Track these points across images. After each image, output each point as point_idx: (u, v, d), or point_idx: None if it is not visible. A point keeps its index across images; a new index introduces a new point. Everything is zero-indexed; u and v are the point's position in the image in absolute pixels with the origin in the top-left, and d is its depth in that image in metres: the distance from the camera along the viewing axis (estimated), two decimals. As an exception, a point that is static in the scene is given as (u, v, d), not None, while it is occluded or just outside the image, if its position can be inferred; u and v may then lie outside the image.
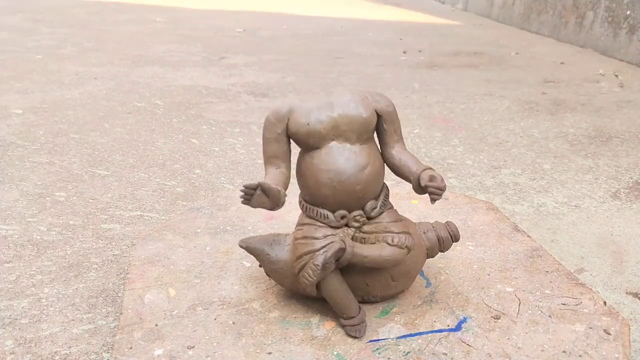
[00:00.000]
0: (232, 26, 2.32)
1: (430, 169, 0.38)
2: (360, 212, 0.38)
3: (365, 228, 0.39)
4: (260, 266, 0.43)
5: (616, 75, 1.57)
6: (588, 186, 0.80)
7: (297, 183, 0.39)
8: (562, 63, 1.74)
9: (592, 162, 0.90)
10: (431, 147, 0.95)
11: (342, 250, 0.36)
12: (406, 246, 0.38)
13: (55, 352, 0.42)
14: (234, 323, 0.40)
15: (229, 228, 0.55)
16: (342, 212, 0.38)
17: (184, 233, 0.54)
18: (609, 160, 0.91)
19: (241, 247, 0.42)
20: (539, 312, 0.42)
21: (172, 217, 0.57)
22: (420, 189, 0.38)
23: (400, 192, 0.62)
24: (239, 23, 2.42)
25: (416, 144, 0.97)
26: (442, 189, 0.36)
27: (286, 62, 1.63)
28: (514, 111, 1.20)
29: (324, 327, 0.40)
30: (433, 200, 0.37)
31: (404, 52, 1.85)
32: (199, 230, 0.55)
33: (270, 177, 0.37)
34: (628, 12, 1.78)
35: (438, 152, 0.93)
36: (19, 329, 0.45)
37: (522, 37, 2.30)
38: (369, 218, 0.39)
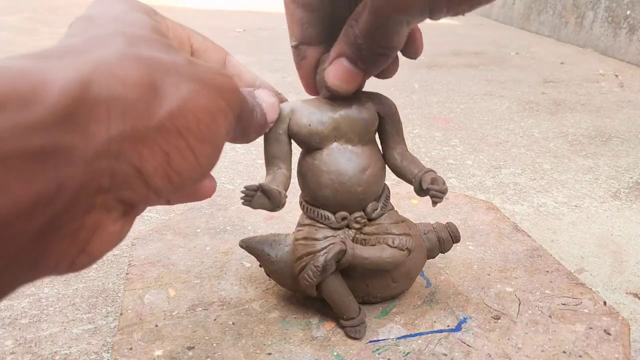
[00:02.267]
0: (232, 26, 2.32)
1: (432, 171, 0.38)
2: (361, 213, 0.38)
3: (366, 229, 0.39)
4: (260, 266, 0.43)
5: (616, 75, 1.57)
6: (588, 186, 0.80)
7: (297, 183, 0.39)
8: (562, 63, 1.74)
9: (592, 162, 0.90)
10: (431, 147, 0.95)
11: (342, 252, 0.36)
12: (407, 248, 0.38)
13: (55, 352, 0.42)
14: (233, 323, 0.40)
15: (229, 228, 0.55)
16: (343, 213, 0.38)
17: (183, 233, 0.54)
18: (609, 160, 0.91)
19: (241, 247, 0.42)
20: (539, 312, 0.42)
21: (172, 217, 0.57)
22: (421, 191, 0.38)
23: (400, 192, 0.62)
24: (239, 23, 2.42)
25: (416, 144, 0.97)
26: (444, 192, 0.36)
27: (286, 62, 1.63)
28: (514, 111, 1.20)
29: (324, 328, 0.40)
30: (434, 203, 0.37)
31: (404, 52, 1.85)
32: (198, 230, 0.55)
33: (270, 178, 0.37)
34: (628, 12, 1.78)
35: (438, 152, 0.93)
36: (19, 328, 0.45)
37: (522, 37, 2.31)
38: (370, 219, 0.39)
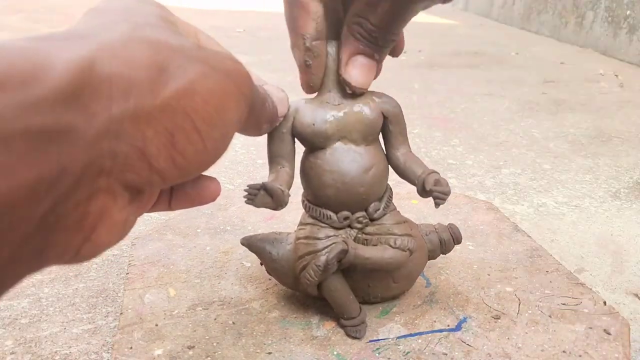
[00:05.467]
0: (232, 26, 2.32)
1: (436, 172, 0.38)
2: (363, 213, 0.38)
3: (368, 229, 0.39)
4: (261, 264, 0.43)
5: (616, 75, 1.57)
6: (588, 186, 0.80)
7: (300, 183, 0.39)
8: (562, 63, 1.75)
9: (592, 162, 0.90)
10: (431, 147, 0.95)
11: (344, 251, 0.36)
12: (408, 249, 0.38)
13: (55, 352, 0.42)
14: (234, 323, 0.40)
15: (229, 228, 0.55)
16: (345, 213, 0.38)
17: (183, 233, 0.54)
18: (609, 160, 0.91)
19: (243, 245, 0.42)
20: (539, 312, 0.42)
21: (172, 217, 0.57)
22: (424, 192, 0.37)
23: (400, 192, 0.62)
24: (239, 23, 2.42)
25: (416, 143, 0.97)
26: (447, 194, 0.36)
27: (286, 62, 1.63)
28: (514, 111, 1.20)
29: (324, 327, 0.40)
30: (437, 205, 0.37)
31: (404, 52, 1.85)
32: (199, 230, 0.55)
33: (273, 177, 0.37)
34: (628, 12, 1.78)
35: (438, 152, 0.93)
36: (19, 328, 0.45)
37: (522, 37, 2.31)
38: (372, 219, 0.39)
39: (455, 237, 0.42)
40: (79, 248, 0.19)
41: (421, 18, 2.84)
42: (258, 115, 0.29)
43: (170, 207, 0.28)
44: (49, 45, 0.17)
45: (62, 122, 0.16)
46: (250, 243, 0.42)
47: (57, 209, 0.17)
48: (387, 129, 0.38)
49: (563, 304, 0.43)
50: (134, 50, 0.19)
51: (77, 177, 0.17)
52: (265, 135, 0.37)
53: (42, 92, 0.15)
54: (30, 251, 0.17)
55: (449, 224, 0.43)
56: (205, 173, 0.31)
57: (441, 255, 0.44)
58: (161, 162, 0.20)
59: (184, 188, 0.28)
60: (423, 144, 0.97)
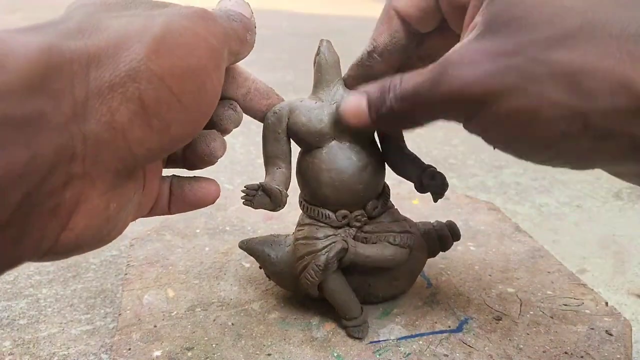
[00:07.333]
0: (232, 26, 2.32)
1: (432, 167, 0.38)
2: (362, 211, 0.38)
3: (367, 228, 0.39)
4: (260, 268, 0.42)
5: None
6: (590, 186, 0.80)
7: (297, 183, 0.39)
8: (562, 63, 1.74)
9: (594, 162, 0.90)
10: (432, 147, 0.95)
11: (344, 250, 0.36)
12: (408, 245, 0.38)
13: (54, 353, 0.42)
14: (233, 324, 0.40)
15: (228, 228, 0.55)
16: (344, 211, 0.38)
17: (182, 233, 0.54)
18: (610, 160, 0.91)
19: (241, 248, 0.41)
20: (541, 312, 0.41)
21: (171, 217, 0.57)
22: (421, 187, 0.37)
23: (401, 192, 0.62)
24: (239, 22, 2.42)
25: (417, 143, 0.96)
26: (444, 187, 0.36)
27: (286, 61, 1.62)
28: (515, 111, 1.20)
29: (324, 329, 0.40)
30: (435, 199, 0.37)
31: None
32: (197, 231, 0.54)
33: (270, 178, 0.37)
34: (629, 12, 1.77)
35: (439, 152, 0.93)
36: (17, 329, 0.45)
37: (522, 36, 2.30)
38: (371, 218, 0.39)
39: (453, 233, 0.42)
40: (56, 236, 0.19)
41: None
42: (237, 46, 0.26)
43: (169, 211, 0.28)
44: (10, 36, 0.17)
45: (29, 109, 0.16)
46: (249, 246, 0.41)
47: (31, 197, 0.17)
48: None
49: (565, 305, 0.42)
50: (90, 30, 0.19)
51: (49, 164, 0.17)
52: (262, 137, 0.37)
53: (5, 80, 0.15)
54: (6, 241, 0.17)
55: (448, 221, 0.43)
56: (204, 174, 0.31)
57: (441, 254, 0.44)
58: (137, 131, 0.19)
59: (183, 190, 0.28)
60: (424, 143, 0.97)
